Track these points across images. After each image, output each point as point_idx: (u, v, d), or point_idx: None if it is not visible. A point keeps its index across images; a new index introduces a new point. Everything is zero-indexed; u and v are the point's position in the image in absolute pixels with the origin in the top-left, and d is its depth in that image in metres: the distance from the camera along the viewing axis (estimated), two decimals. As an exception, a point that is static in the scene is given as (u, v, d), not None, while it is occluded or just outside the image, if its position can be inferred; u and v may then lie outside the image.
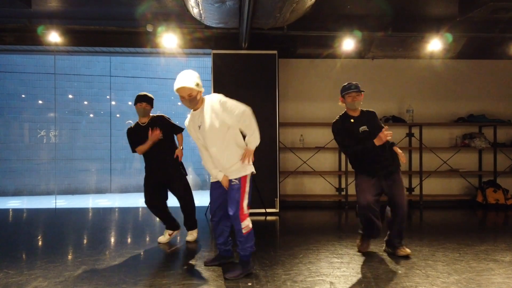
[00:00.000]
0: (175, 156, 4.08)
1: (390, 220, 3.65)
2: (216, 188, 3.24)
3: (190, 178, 4.40)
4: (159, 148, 4.01)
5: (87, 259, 3.58)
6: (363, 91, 3.58)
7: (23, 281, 3.00)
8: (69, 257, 3.70)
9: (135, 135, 4.05)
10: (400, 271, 3.20)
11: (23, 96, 9.57)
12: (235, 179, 3.05)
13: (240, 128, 3.03)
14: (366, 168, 3.61)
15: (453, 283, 2.92)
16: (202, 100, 3.05)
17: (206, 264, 3.40)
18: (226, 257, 3.40)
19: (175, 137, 4.22)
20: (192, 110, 3.09)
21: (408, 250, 3.61)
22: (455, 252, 3.74)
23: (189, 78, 2.92)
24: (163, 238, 4.19)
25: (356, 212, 3.80)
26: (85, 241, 4.42)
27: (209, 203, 3.38)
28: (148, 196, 4.11)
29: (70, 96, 9.80)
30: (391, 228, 3.66)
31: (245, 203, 3.06)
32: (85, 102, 9.85)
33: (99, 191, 10.14)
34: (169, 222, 4.22)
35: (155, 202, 4.11)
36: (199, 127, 3.02)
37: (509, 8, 4.40)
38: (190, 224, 4.24)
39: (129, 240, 4.45)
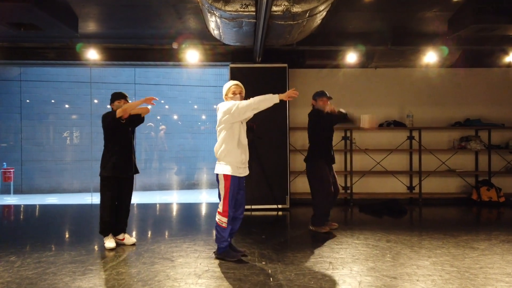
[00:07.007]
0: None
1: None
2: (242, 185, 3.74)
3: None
4: (129, 144, 4.17)
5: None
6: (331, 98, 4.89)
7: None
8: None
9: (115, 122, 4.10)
10: (388, 255, 3.86)
11: (52, 101, 10.46)
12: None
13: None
14: (325, 156, 4.78)
15: (431, 264, 3.57)
16: None
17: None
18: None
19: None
20: None
21: (329, 227, 4.76)
22: (439, 241, 4.38)
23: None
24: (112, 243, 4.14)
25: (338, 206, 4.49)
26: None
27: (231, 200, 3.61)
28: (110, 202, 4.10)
29: (96, 101, 10.66)
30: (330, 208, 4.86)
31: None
32: (108, 106, 10.64)
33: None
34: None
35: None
36: None
37: (491, 28, 4.99)
38: (125, 226, 4.31)
39: (167, 233, 5.20)
